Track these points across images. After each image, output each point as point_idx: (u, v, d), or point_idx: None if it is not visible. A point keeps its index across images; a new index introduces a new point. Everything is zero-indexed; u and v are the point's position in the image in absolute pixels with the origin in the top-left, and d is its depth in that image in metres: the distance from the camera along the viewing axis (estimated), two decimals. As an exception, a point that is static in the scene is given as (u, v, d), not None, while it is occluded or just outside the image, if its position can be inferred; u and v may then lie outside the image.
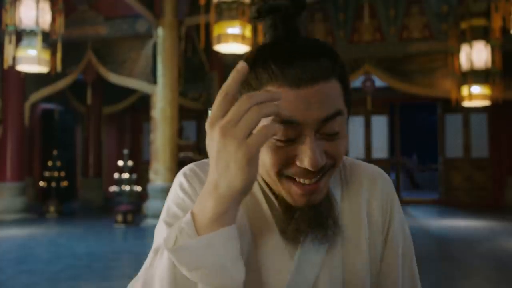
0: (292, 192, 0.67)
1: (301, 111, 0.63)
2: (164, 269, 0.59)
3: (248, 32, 6.24)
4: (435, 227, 8.07)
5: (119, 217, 8.31)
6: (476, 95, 8.52)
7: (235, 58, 8.34)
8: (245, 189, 0.56)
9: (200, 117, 12.80)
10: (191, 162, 0.80)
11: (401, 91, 10.05)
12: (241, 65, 0.56)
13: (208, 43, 7.69)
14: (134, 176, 8.79)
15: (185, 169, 0.77)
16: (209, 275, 0.56)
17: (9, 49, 7.18)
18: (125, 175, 8.60)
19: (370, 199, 0.78)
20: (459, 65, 8.70)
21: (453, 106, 9.32)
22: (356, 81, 10.37)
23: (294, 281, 0.70)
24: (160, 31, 8.52)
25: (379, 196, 0.79)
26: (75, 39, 9.56)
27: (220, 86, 0.72)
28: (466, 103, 8.80)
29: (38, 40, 7.17)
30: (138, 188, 8.91)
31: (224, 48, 6.38)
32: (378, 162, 12.16)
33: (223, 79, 8.79)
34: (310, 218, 0.69)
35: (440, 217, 9.65)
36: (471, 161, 11.67)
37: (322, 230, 0.70)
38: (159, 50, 8.56)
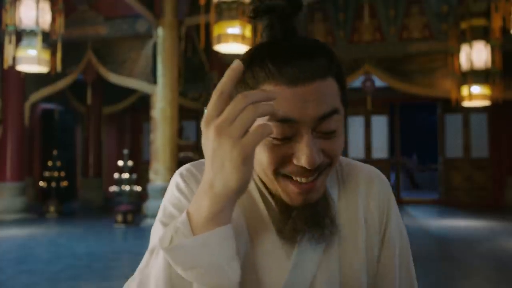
0: (289, 191, 0.67)
1: (298, 109, 0.63)
2: (159, 269, 0.59)
3: (248, 32, 6.23)
4: (435, 227, 8.07)
5: (119, 217, 8.31)
6: (476, 95, 8.52)
7: (235, 58, 8.33)
8: (240, 189, 0.56)
9: (200, 117, 12.81)
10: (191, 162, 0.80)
11: (401, 91, 10.05)
12: (236, 63, 0.57)
13: (208, 43, 7.69)
14: (134, 176, 8.79)
15: (182, 169, 0.77)
16: (205, 275, 0.56)
17: (9, 49, 7.18)
18: (125, 175, 8.60)
19: (367, 200, 0.78)
20: (459, 65, 8.70)
21: (453, 106, 9.32)
22: (356, 81, 10.36)
23: (291, 281, 0.69)
24: (160, 31, 8.53)
25: (376, 197, 0.79)
26: (75, 39, 9.56)
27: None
28: (466, 103, 8.81)
29: (38, 40, 7.17)
30: (138, 188, 8.91)
31: (224, 48, 6.38)
32: (378, 162, 12.25)
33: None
34: (307, 217, 0.69)
35: (440, 217, 9.65)
36: (471, 161, 11.67)
37: (319, 229, 0.69)
38: (159, 50, 8.56)
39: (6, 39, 7.20)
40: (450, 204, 11.53)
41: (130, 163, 8.71)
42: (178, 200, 0.73)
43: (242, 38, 6.19)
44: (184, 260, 0.56)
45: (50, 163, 10.53)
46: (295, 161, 0.65)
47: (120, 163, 8.72)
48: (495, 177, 11.32)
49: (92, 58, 9.63)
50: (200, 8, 6.98)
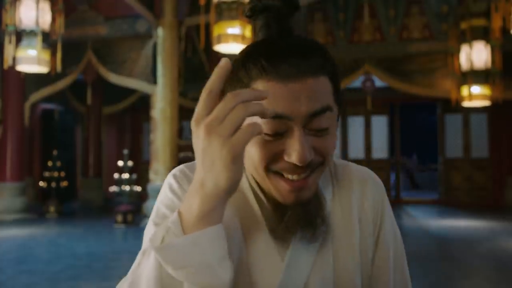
0: (280, 189, 0.67)
1: (290, 105, 0.63)
2: (150, 269, 0.59)
3: (248, 32, 6.24)
4: (435, 227, 8.07)
5: (119, 217, 8.31)
6: (476, 95, 8.52)
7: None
8: (231, 188, 0.56)
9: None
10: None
11: (401, 91, 10.05)
12: (224, 62, 0.57)
13: (208, 43, 7.69)
14: (134, 176, 8.79)
15: (175, 170, 0.77)
16: (195, 274, 0.56)
17: (9, 49, 7.18)
18: (125, 175, 8.61)
19: (361, 200, 0.78)
20: (459, 65, 8.70)
21: (453, 106, 9.32)
22: (356, 81, 10.36)
23: (285, 282, 0.69)
24: (160, 31, 8.53)
25: (370, 198, 0.78)
26: (75, 39, 9.56)
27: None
28: (466, 103, 8.80)
29: (38, 40, 7.17)
30: (138, 188, 8.91)
31: (224, 48, 6.38)
32: (378, 162, 12.27)
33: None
34: (299, 216, 0.69)
35: (440, 217, 9.65)
36: (471, 161, 11.67)
37: (311, 229, 0.69)
38: (159, 50, 8.56)
39: (6, 39, 7.20)
40: (450, 204, 11.53)
41: (130, 163, 8.71)
42: (171, 201, 0.73)
43: (242, 38, 6.19)
44: (174, 259, 0.56)
45: (50, 163, 10.53)
46: (286, 158, 0.64)
47: (120, 163, 8.72)
48: (495, 177, 11.32)
49: (92, 58, 9.63)
50: (200, 8, 6.98)
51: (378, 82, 10.46)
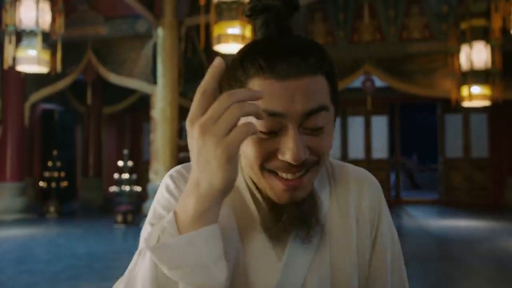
0: (275, 188, 0.67)
1: (285, 103, 0.63)
2: (146, 269, 0.59)
3: (248, 32, 6.24)
4: (435, 227, 8.07)
5: (119, 217, 8.31)
6: (476, 95, 8.52)
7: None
8: (226, 187, 0.56)
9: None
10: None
11: (401, 91, 10.05)
12: (218, 61, 0.57)
13: (208, 43, 7.69)
14: (134, 176, 8.79)
15: (172, 170, 0.77)
16: (191, 274, 0.56)
17: (9, 49, 7.18)
18: (125, 175, 8.60)
19: (358, 201, 0.78)
20: (459, 65, 8.70)
21: (453, 106, 9.32)
22: (356, 81, 10.36)
23: (282, 282, 0.69)
24: (160, 31, 8.53)
25: (367, 199, 0.78)
26: (75, 39, 9.56)
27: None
28: (466, 103, 8.81)
29: (38, 40, 7.17)
30: (138, 188, 8.91)
31: (224, 48, 6.38)
32: (378, 162, 12.28)
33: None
34: (293, 216, 0.68)
35: (440, 217, 9.65)
36: (471, 161, 11.67)
37: (305, 228, 0.69)
38: (159, 50, 8.57)
39: (6, 39, 7.20)
40: (450, 204, 11.53)
41: (130, 163, 8.71)
42: (167, 201, 0.73)
43: (242, 38, 6.19)
44: (169, 259, 0.56)
45: (50, 163, 10.52)
46: (280, 156, 0.64)
47: (120, 163, 8.72)
48: (495, 177, 11.33)
49: (92, 58, 9.63)
50: (200, 9, 6.98)
51: (378, 82, 10.46)
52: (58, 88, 10.16)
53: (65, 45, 8.43)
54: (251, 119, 0.63)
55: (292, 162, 0.63)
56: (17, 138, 9.87)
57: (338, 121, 12.45)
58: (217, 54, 8.95)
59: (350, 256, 0.74)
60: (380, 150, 12.37)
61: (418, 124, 25.59)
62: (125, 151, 8.98)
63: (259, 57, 0.65)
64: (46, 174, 10.52)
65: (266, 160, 0.66)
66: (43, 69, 7.55)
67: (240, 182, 0.74)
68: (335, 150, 12.38)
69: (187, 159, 8.74)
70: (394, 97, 11.84)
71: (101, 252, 6.05)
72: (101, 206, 11.96)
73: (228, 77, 0.68)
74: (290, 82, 0.63)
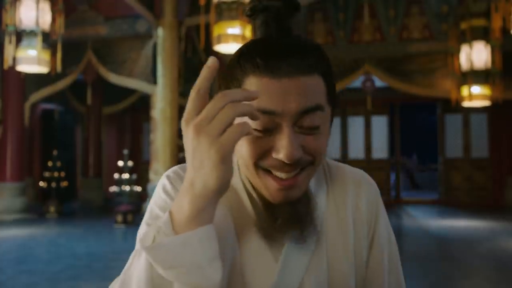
0: (269, 186, 0.67)
1: (280, 101, 0.63)
2: (141, 269, 0.59)
3: (248, 32, 6.24)
4: (435, 227, 8.07)
5: (119, 217, 8.31)
6: (476, 95, 8.52)
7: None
8: (221, 187, 0.55)
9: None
10: None
11: (401, 91, 10.05)
12: (212, 61, 0.57)
13: (208, 43, 7.69)
14: (134, 176, 8.79)
15: (169, 171, 0.77)
16: (185, 274, 0.55)
17: (9, 49, 7.18)
18: (125, 175, 8.60)
19: (355, 202, 0.78)
20: (459, 65, 8.71)
21: (453, 106, 9.32)
22: (356, 81, 10.37)
23: (278, 282, 0.69)
24: (160, 31, 8.53)
25: (364, 200, 0.78)
26: (75, 39, 9.56)
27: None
28: (466, 103, 8.81)
29: (38, 40, 7.17)
30: (138, 188, 8.91)
31: (224, 48, 6.38)
32: (378, 162, 12.28)
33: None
34: (287, 215, 0.68)
35: (440, 217, 9.65)
36: (471, 161, 11.67)
37: (299, 228, 0.69)
38: (159, 50, 8.57)
39: (6, 39, 7.20)
40: (450, 204, 11.53)
41: (130, 163, 8.71)
42: (164, 202, 0.73)
43: (242, 38, 6.19)
44: (164, 259, 0.55)
45: (50, 163, 10.52)
46: (274, 154, 0.64)
47: (120, 163, 8.72)
48: (495, 177, 11.33)
49: (92, 58, 9.63)
50: (200, 9, 6.98)
51: (378, 82, 10.46)
52: (58, 88, 10.16)
53: (65, 45, 8.43)
54: (246, 119, 0.63)
55: (286, 160, 0.63)
56: (17, 138, 9.87)
57: (338, 121, 12.53)
58: (217, 54, 8.96)
59: (347, 256, 0.74)
60: (380, 150, 12.37)
61: (418, 124, 25.60)
62: (125, 151, 8.97)
63: (256, 56, 0.65)
64: (46, 174, 10.52)
65: (261, 159, 0.66)
66: (43, 69, 7.55)
67: (237, 183, 0.74)
68: (335, 150, 12.38)
69: (187, 159, 8.73)
70: (394, 97, 11.84)
71: (101, 252, 6.05)
72: (101, 206, 11.96)
73: (225, 76, 0.68)
74: (285, 80, 0.63)
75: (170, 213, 0.58)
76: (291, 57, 0.64)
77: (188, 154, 0.56)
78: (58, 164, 10.50)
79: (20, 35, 7.31)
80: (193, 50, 9.80)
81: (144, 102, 11.47)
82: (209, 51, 9.34)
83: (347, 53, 9.97)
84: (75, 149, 14.24)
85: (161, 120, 8.44)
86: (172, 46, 8.52)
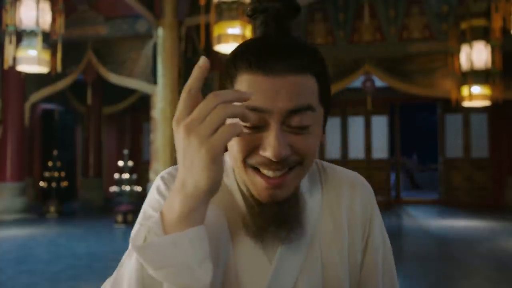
0: (257, 184, 0.67)
1: (269, 99, 0.63)
2: (132, 269, 0.59)
3: (248, 32, 6.24)
4: (435, 227, 8.07)
5: (119, 217, 8.31)
6: (476, 95, 8.52)
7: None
8: (211, 188, 0.55)
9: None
10: None
11: (401, 91, 10.05)
12: (202, 61, 0.57)
13: (208, 43, 7.69)
14: (134, 176, 8.80)
15: (163, 172, 0.77)
16: (175, 275, 0.55)
17: (9, 49, 7.18)
18: (125, 175, 8.61)
19: (350, 205, 0.78)
20: (459, 65, 8.70)
21: (453, 106, 9.32)
22: (356, 81, 10.36)
23: (272, 284, 0.69)
24: (160, 32, 8.53)
25: (359, 203, 0.78)
26: (75, 39, 9.56)
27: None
28: (466, 103, 8.81)
29: (38, 40, 7.17)
30: (138, 188, 8.91)
31: (224, 48, 6.38)
32: (378, 162, 12.28)
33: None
34: (273, 215, 0.68)
35: (440, 217, 9.65)
36: (471, 161, 11.67)
37: (285, 229, 0.69)
38: (159, 50, 8.56)
39: (6, 39, 7.20)
40: (450, 204, 11.53)
41: (130, 163, 8.71)
42: (158, 202, 0.73)
43: (242, 38, 6.19)
44: (154, 259, 0.55)
45: (50, 163, 10.53)
46: (261, 152, 0.64)
47: (120, 163, 8.72)
48: (495, 177, 11.33)
49: (92, 58, 9.63)
50: (200, 8, 6.98)
51: (378, 82, 10.46)
52: (58, 88, 10.16)
53: (65, 45, 8.43)
54: (238, 120, 0.62)
55: (272, 158, 0.63)
56: (17, 138, 9.87)
57: (338, 121, 12.54)
58: (217, 54, 8.96)
59: (341, 258, 0.74)
60: (380, 150, 12.37)
61: (418, 124, 25.60)
62: (125, 151, 8.98)
63: (250, 53, 0.65)
64: (46, 174, 10.53)
65: (249, 155, 0.66)
66: (43, 69, 7.55)
67: (231, 184, 0.74)
68: (335, 150, 12.39)
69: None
70: (394, 97, 11.84)
71: (101, 252, 6.05)
72: (101, 206, 11.96)
73: (222, 74, 0.69)
74: (276, 78, 0.63)
75: (162, 213, 0.58)
76: (284, 56, 0.64)
77: (179, 154, 0.56)
78: (58, 164, 10.51)
79: (20, 35, 7.31)
80: (193, 50, 9.79)
81: (144, 102, 11.47)
82: (210, 51, 9.35)
83: (347, 53, 9.97)
84: (75, 149, 14.24)
85: (161, 120, 8.44)
86: (172, 46, 8.52)
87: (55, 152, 10.62)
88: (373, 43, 10.04)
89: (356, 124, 12.49)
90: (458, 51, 8.74)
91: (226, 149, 0.67)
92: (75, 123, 14.32)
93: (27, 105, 10.16)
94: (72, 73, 9.83)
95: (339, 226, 0.76)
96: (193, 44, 9.72)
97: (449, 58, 8.98)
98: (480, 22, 8.57)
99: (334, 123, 12.36)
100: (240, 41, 6.20)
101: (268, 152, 0.63)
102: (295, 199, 0.71)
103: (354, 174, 0.82)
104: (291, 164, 0.66)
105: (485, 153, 11.53)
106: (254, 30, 0.76)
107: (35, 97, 10.19)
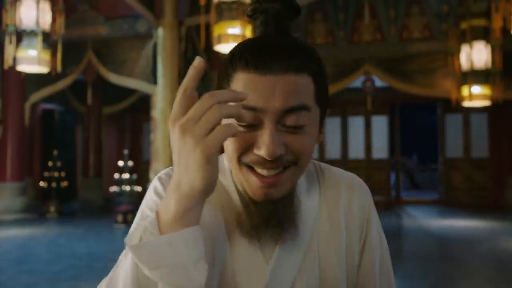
0: (251, 183, 0.67)
1: (264, 97, 0.63)
2: (127, 269, 0.59)
3: (248, 32, 6.24)
4: (435, 227, 8.07)
5: (119, 217, 8.32)
6: (476, 95, 8.52)
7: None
8: (206, 188, 0.55)
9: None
10: None
11: (401, 91, 10.05)
12: (197, 61, 0.57)
13: (209, 43, 7.69)
14: (134, 176, 8.80)
15: (161, 173, 0.78)
16: (169, 275, 0.55)
17: (9, 49, 7.18)
18: (126, 175, 8.61)
19: (348, 206, 0.78)
20: (459, 65, 8.70)
21: (453, 106, 9.32)
22: (356, 81, 10.37)
23: (270, 284, 0.69)
24: (160, 31, 8.53)
25: (357, 204, 0.79)
26: (75, 39, 9.56)
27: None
28: (466, 103, 8.81)
29: (39, 40, 7.17)
30: (138, 188, 8.91)
31: (224, 48, 6.38)
32: (378, 162, 12.28)
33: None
34: (267, 214, 0.68)
35: (440, 217, 9.65)
36: (471, 161, 11.67)
37: (278, 228, 0.69)
38: (159, 50, 8.56)
39: (7, 39, 7.20)
40: (450, 204, 11.53)
41: (130, 163, 8.72)
42: (155, 203, 0.73)
43: (242, 38, 6.19)
44: (149, 259, 0.55)
45: (50, 163, 10.53)
46: (255, 150, 0.64)
47: (121, 163, 8.72)
48: (495, 177, 11.33)
49: (92, 58, 9.64)
50: (200, 8, 6.98)
51: (378, 82, 10.46)
52: (58, 88, 10.16)
53: (65, 45, 8.44)
54: (233, 120, 0.63)
55: (266, 157, 0.63)
56: (17, 138, 9.88)
57: (338, 121, 12.54)
58: (217, 54, 8.96)
59: (339, 259, 0.75)
60: (380, 150, 12.38)
61: (418, 124, 25.60)
62: (125, 151, 8.98)
63: (247, 52, 0.65)
64: (46, 174, 10.53)
65: (244, 154, 0.66)
66: (43, 69, 7.55)
67: (229, 184, 0.75)
68: (335, 150, 12.39)
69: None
70: (394, 97, 11.84)
71: (101, 252, 6.05)
72: (101, 206, 11.96)
73: (220, 73, 0.69)
74: (272, 77, 0.63)
75: (157, 213, 0.58)
76: (281, 56, 0.64)
77: (175, 154, 0.56)
78: (58, 164, 10.51)
79: (20, 35, 7.31)
80: (193, 50, 9.79)
81: (144, 102, 11.47)
82: (210, 51, 9.35)
83: (347, 53, 9.97)
84: (75, 149, 14.25)
85: (161, 120, 8.44)
86: (172, 46, 8.52)
87: (55, 152, 10.62)
88: (373, 43, 10.04)
89: (356, 124, 12.49)
90: (458, 51, 8.75)
91: (222, 150, 0.67)
92: (75, 123, 14.33)
93: (27, 105, 10.16)
94: (72, 73, 9.84)
95: (337, 227, 0.76)
96: (193, 44, 9.72)
97: (449, 58, 8.98)
98: (480, 22, 8.57)
99: (334, 123, 12.36)
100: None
101: (262, 150, 0.63)
102: (290, 199, 0.71)
103: (351, 175, 0.82)
104: (285, 163, 0.66)
105: (485, 153, 11.53)
106: (254, 30, 0.76)
107: (35, 97, 10.19)
